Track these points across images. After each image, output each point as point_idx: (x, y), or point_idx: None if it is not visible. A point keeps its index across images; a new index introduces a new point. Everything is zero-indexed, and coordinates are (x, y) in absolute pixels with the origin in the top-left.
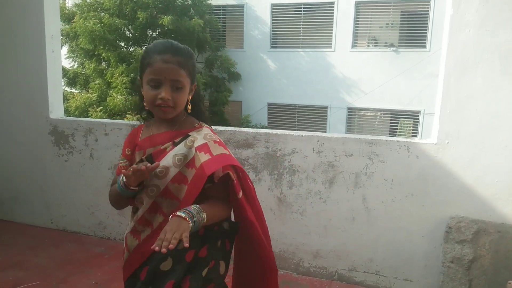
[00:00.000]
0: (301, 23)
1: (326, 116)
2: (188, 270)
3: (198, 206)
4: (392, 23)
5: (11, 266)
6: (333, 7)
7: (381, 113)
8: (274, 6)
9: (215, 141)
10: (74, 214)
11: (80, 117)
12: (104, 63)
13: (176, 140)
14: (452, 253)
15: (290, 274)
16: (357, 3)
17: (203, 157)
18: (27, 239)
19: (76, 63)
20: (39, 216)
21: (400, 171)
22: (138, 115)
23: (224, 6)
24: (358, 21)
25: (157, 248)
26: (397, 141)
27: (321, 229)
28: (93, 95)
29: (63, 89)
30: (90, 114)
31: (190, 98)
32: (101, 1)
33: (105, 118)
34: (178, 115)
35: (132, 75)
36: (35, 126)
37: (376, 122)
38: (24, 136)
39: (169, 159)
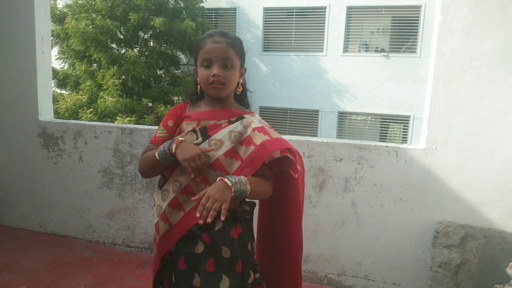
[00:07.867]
0: (293, 27)
1: (318, 120)
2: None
3: (246, 178)
4: (383, 29)
5: None
6: (325, 11)
7: (371, 118)
8: (266, 10)
9: (270, 127)
10: (63, 218)
11: (70, 119)
12: (95, 64)
13: (232, 119)
14: (440, 258)
15: None
16: (348, 8)
17: (263, 137)
18: (15, 242)
19: (67, 64)
20: (27, 219)
21: (389, 176)
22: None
23: (216, 9)
24: (349, 26)
25: (198, 217)
26: (386, 146)
27: (310, 234)
28: (84, 96)
29: (53, 90)
30: (80, 116)
31: (241, 81)
32: (93, 3)
33: (95, 120)
34: (229, 98)
35: (123, 77)
36: (24, 128)
37: (367, 127)
38: (13, 138)
39: (225, 134)
